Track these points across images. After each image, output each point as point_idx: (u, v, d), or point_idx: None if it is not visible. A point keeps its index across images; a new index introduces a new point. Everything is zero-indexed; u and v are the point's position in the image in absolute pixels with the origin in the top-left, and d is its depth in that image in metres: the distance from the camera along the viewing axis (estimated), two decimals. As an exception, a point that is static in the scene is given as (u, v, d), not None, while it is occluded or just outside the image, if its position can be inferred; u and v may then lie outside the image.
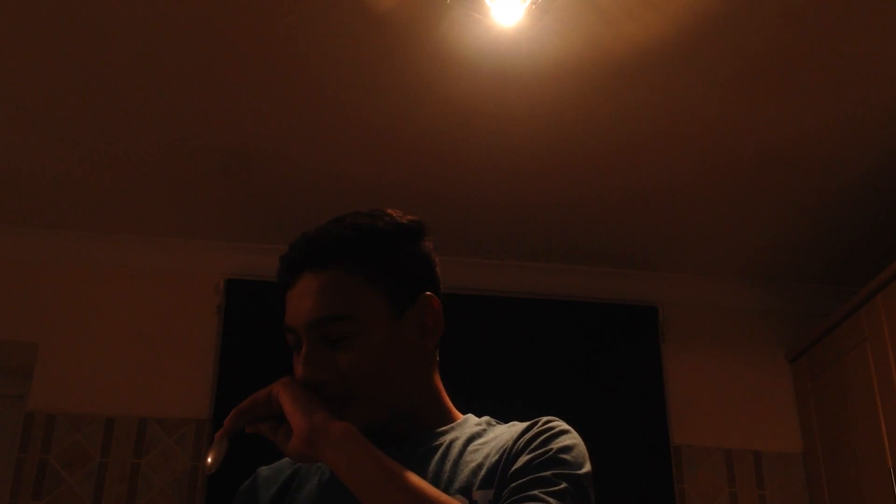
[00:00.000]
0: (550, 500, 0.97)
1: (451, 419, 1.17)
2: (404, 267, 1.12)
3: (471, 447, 1.10)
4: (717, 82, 2.28)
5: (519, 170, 2.62)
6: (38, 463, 2.71)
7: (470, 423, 1.16)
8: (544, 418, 1.09)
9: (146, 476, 2.74)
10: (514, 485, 1.00)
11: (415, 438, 1.11)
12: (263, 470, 1.22)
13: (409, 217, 1.14)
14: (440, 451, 1.10)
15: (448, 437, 1.12)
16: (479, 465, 1.06)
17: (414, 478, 0.97)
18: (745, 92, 2.31)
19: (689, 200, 2.76)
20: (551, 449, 1.03)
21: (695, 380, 3.07)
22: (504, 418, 1.20)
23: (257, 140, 2.52)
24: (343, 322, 1.06)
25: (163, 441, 2.79)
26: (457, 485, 1.03)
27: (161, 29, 2.12)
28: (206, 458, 1.05)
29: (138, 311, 2.94)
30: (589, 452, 1.11)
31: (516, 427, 1.11)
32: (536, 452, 1.03)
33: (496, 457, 1.06)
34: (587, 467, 1.04)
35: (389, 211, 1.14)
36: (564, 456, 1.03)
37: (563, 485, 0.99)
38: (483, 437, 1.12)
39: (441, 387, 1.18)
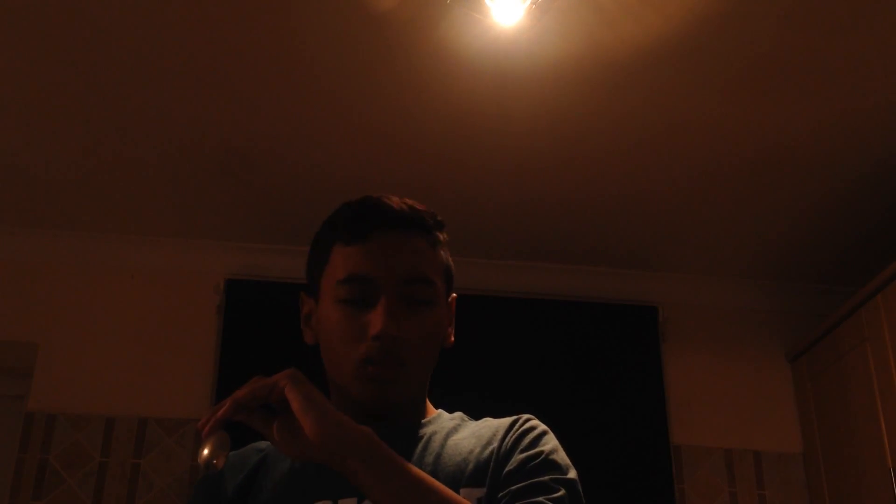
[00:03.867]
0: None
1: (427, 413, 1.18)
2: (449, 257, 1.18)
3: (450, 441, 1.10)
4: (717, 82, 2.28)
5: (519, 170, 2.62)
6: (38, 463, 2.71)
7: (444, 417, 1.17)
8: (523, 416, 1.11)
9: (146, 476, 2.74)
10: (513, 488, 1.00)
11: (394, 429, 1.09)
12: (230, 455, 1.15)
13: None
14: (420, 443, 1.09)
15: (427, 431, 1.12)
16: (464, 461, 1.06)
17: (444, 490, 0.95)
18: (745, 92, 2.31)
19: (689, 200, 2.76)
20: (542, 451, 1.04)
21: (695, 380, 3.07)
22: (502, 415, 1.20)
23: (257, 140, 2.52)
24: (428, 287, 1.08)
25: (163, 441, 2.79)
26: (440, 479, 1.02)
27: (161, 29, 2.12)
28: (205, 454, 0.96)
29: (138, 311, 2.94)
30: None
31: (493, 423, 1.12)
32: (529, 454, 1.04)
33: (483, 453, 1.06)
34: (574, 470, 1.06)
35: None
36: (555, 458, 1.04)
37: (562, 491, 1.00)
38: (460, 431, 1.12)
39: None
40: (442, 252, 1.14)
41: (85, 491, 2.70)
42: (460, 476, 1.04)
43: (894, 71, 2.24)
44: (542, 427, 1.09)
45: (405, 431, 1.11)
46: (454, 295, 1.18)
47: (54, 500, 2.68)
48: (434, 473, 1.03)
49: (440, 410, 1.19)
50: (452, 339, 1.17)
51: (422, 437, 1.10)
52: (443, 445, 1.09)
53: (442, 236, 1.15)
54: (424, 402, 1.18)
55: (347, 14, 2.05)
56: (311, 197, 2.77)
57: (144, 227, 2.95)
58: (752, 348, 3.13)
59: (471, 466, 1.05)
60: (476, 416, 1.20)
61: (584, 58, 2.18)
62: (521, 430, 1.07)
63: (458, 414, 1.19)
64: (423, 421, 1.14)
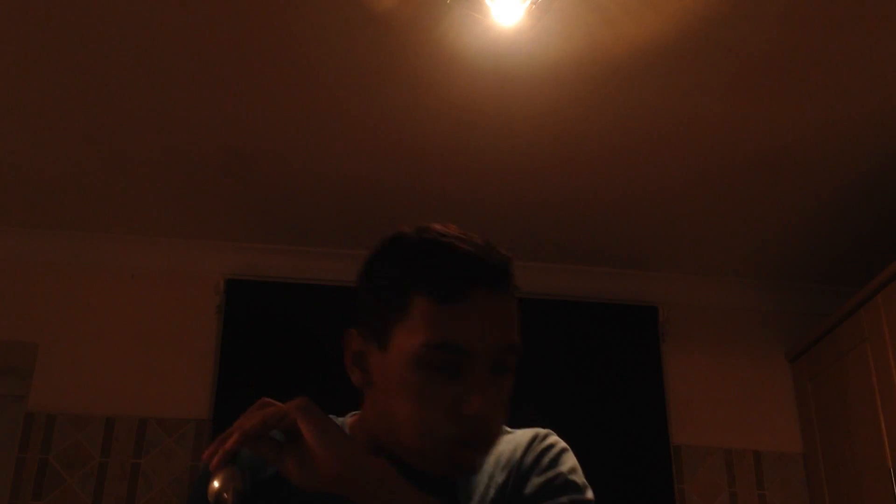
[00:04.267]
0: None
1: None
2: None
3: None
4: (717, 82, 2.27)
5: (519, 170, 2.62)
6: (38, 463, 2.71)
7: None
8: (541, 433, 1.05)
9: (146, 476, 2.74)
10: None
11: None
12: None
13: None
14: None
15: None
16: (487, 487, 1.00)
17: None
18: (745, 92, 2.30)
19: (689, 200, 2.76)
20: (561, 473, 1.00)
21: (695, 380, 3.07)
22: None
23: (257, 140, 2.52)
24: (516, 355, 0.96)
25: (163, 441, 2.79)
26: None
27: (162, 30, 2.12)
28: (215, 487, 0.89)
29: (138, 311, 2.94)
30: (589, 453, 1.10)
31: (511, 441, 1.05)
32: (547, 476, 0.99)
33: (501, 476, 1.01)
34: (591, 490, 1.02)
35: None
36: (574, 479, 1.00)
37: None
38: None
39: None
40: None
41: (85, 491, 2.70)
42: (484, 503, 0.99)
43: (894, 71, 2.24)
44: (561, 444, 1.04)
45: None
46: None
47: (54, 500, 2.68)
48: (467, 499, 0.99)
49: None
50: None
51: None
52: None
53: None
54: None
55: (347, 14, 2.05)
56: (311, 197, 2.78)
57: (144, 227, 2.95)
58: (752, 348, 3.13)
59: (492, 493, 1.00)
60: None
61: (584, 58, 2.18)
62: (539, 449, 1.02)
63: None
64: None
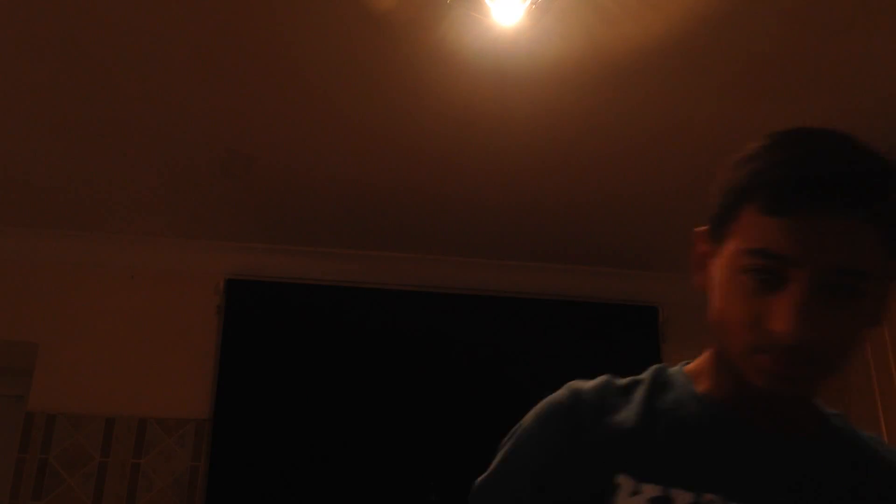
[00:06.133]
0: None
1: (819, 404, 1.02)
2: None
3: (859, 467, 0.98)
4: (717, 82, 2.27)
5: (519, 170, 2.62)
6: (38, 463, 2.71)
7: (833, 417, 1.04)
8: None
9: (146, 476, 2.74)
10: None
11: (798, 431, 0.97)
12: (585, 391, 0.99)
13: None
14: (831, 460, 0.97)
15: (836, 442, 1.00)
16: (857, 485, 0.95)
17: None
18: (745, 92, 2.30)
19: (689, 200, 2.75)
20: None
21: (695, 380, 3.07)
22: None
23: (257, 141, 2.52)
24: (859, 279, 0.85)
25: (163, 441, 2.79)
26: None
27: (162, 30, 2.12)
28: None
29: (138, 311, 2.95)
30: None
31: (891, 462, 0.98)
32: None
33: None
34: None
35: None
36: None
37: None
38: (862, 451, 1.00)
39: None
40: (894, 223, 0.87)
41: (85, 491, 2.70)
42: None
43: (894, 71, 2.24)
44: None
45: (813, 450, 0.97)
46: None
47: (54, 500, 2.68)
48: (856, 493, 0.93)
49: (825, 409, 1.05)
50: (884, 316, 0.94)
51: (827, 457, 0.97)
52: (858, 477, 0.96)
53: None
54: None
55: (347, 14, 2.05)
56: (311, 197, 2.78)
57: (144, 227, 2.95)
58: (752, 348, 3.13)
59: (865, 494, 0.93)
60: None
61: (584, 58, 2.18)
62: None
63: (842, 422, 1.05)
64: (822, 427, 1.01)
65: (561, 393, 0.99)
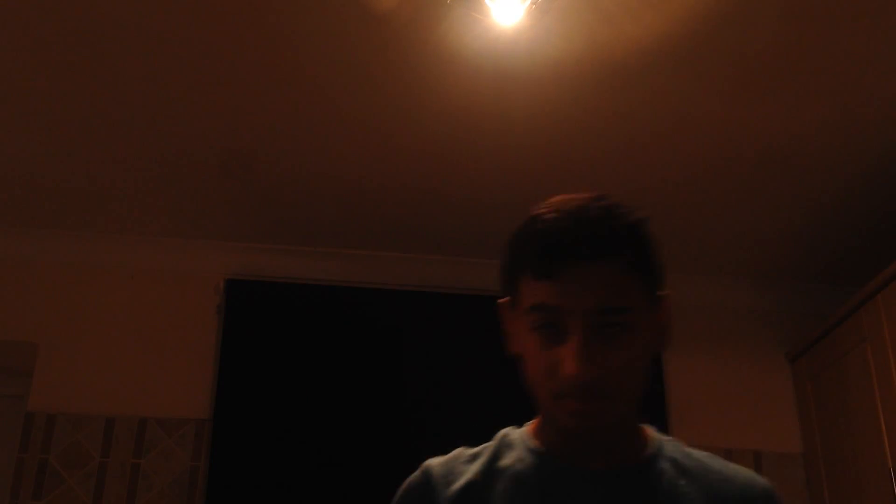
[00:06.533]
0: None
1: (644, 435, 1.12)
2: (657, 261, 1.08)
3: (680, 488, 1.05)
4: (717, 82, 2.28)
5: (519, 170, 2.62)
6: (38, 463, 2.71)
7: (663, 445, 1.12)
8: (779, 500, 1.07)
9: (146, 476, 2.74)
10: None
11: (621, 465, 1.06)
12: (435, 466, 1.12)
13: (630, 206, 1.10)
14: (651, 486, 1.06)
15: (656, 469, 1.07)
16: None
17: None
18: (744, 91, 2.30)
19: (688, 200, 2.76)
20: None
21: (695, 380, 3.07)
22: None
23: (257, 140, 2.52)
24: (622, 314, 0.99)
25: (163, 441, 2.79)
26: None
27: (162, 30, 2.12)
28: None
29: (138, 311, 2.94)
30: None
31: (726, 479, 1.07)
32: None
33: None
34: None
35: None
36: None
37: None
38: (687, 474, 1.08)
39: None
40: (645, 261, 1.06)
41: (85, 491, 2.70)
42: None
43: (894, 71, 2.24)
44: None
45: (626, 477, 1.06)
46: (666, 293, 1.08)
47: (54, 500, 2.68)
48: None
49: (654, 434, 1.13)
50: (670, 339, 1.09)
51: (648, 482, 1.06)
52: (673, 498, 1.04)
53: (644, 246, 1.07)
54: (638, 425, 1.12)
55: (347, 14, 2.05)
56: (311, 197, 2.78)
57: (144, 227, 2.95)
58: (752, 348, 3.13)
59: None
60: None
61: (584, 58, 2.18)
62: None
63: (674, 446, 1.13)
64: (643, 456, 1.09)
65: (416, 473, 1.12)
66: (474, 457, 1.11)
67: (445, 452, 1.17)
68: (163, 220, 2.91)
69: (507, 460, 1.08)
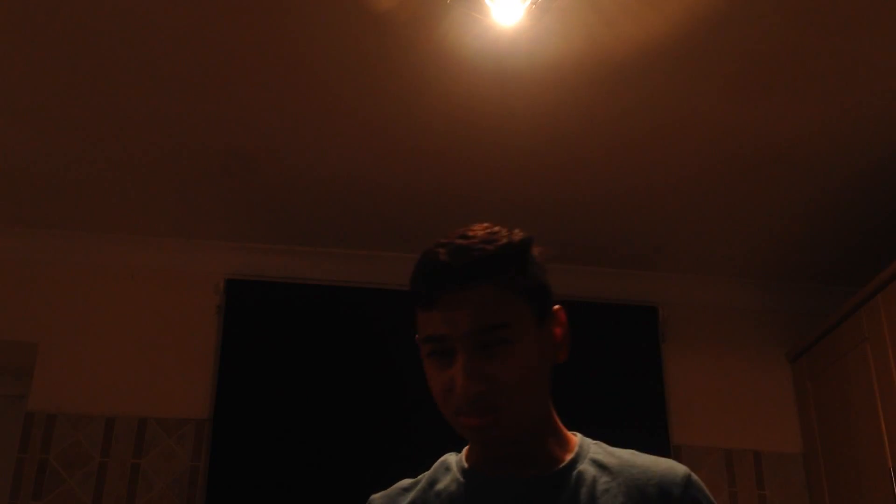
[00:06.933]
0: None
1: (568, 442, 1.16)
2: (538, 275, 1.15)
3: (600, 485, 1.09)
4: (717, 82, 2.28)
5: (519, 169, 2.62)
6: (38, 463, 2.71)
7: (585, 452, 1.15)
8: (696, 483, 1.11)
9: (146, 476, 2.74)
10: None
11: (542, 472, 1.11)
12: (377, 500, 1.21)
13: (519, 230, 1.19)
14: (570, 490, 1.09)
15: (576, 471, 1.11)
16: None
17: None
18: (744, 91, 2.31)
19: (688, 200, 2.76)
20: None
21: (695, 380, 3.07)
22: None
23: (257, 140, 2.52)
24: (500, 330, 1.06)
25: (163, 441, 2.79)
26: None
27: (161, 29, 2.12)
28: None
29: (138, 311, 2.94)
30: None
31: (647, 476, 1.10)
32: None
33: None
34: None
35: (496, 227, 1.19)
36: None
37: None
38: (606, 479, 1.11)
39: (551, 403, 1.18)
40: (520, 279, 1.11)
41: (85, 491, 2.70)
42: None
43: (894, 71, 2.24)
44: (707, 491, 1.11)
45: (546, 482, 1.10)
46: (558, 305, 1.17)
47: (54, 500, 2.68)
48: None
49: (579, 439, 1.18)
50: (567, 349, 1.18)
51: (566, 486, 1.10)
52: (592, 497, 1.08)
53: (517, 266, 1.12)
54: (557, 430, 1.17)
55: (347, 14, 2.05)
56: (311, 197, 2.78)
57: (144, 227, 2.95)
58: (752, 348, 3.13)
59: None
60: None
61: (584, 58, 2.18)
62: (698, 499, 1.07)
63: (599, 448, 1.18)
64: (568, 459, 1.13)
65: None
66: (413, 485, 1.19)
67: (446, 451, 1.20)
68: (163, 220, 2.91)
69: (441, 484, 1.16)
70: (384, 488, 1.23)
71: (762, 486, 2.95)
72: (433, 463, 1.22)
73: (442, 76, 2.24)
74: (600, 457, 1.14)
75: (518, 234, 1.16)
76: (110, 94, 2.34)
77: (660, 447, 2.88)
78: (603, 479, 1.10)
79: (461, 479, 1.14)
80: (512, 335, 1.06)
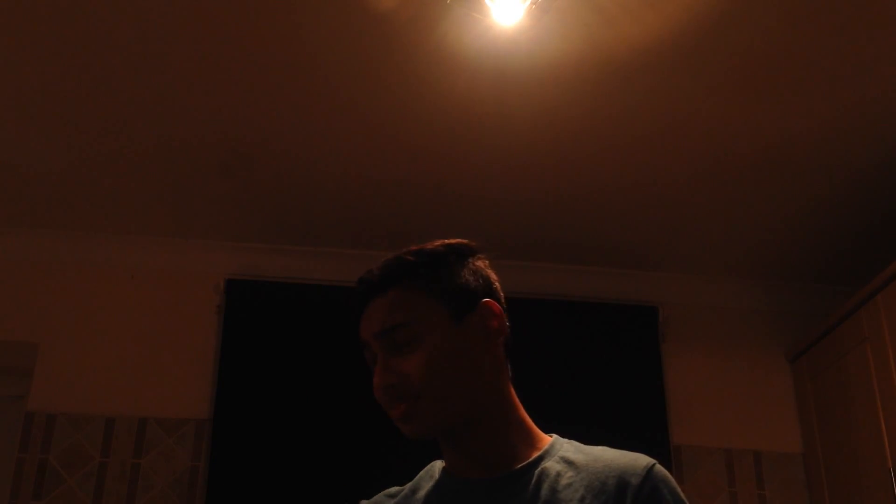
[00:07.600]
0: None
1: (538, 442, 1.18)
2: (456, 277, 1.20)
3: (563, 480, 1.11)
4: (717, 82, 2.28)
5: (518, 169, 2.62)
6: (38, 463, 2.71)
7: (555, 450, 1.17)
8: (655, 474, 1.10)
9: (146, 476, 2.74)
10: None
11: (505, 471, 1.14)
12: None
13: (458, 240, 1.27)
14: (529, 490, 1.11)
15: (534, 473, 1.13)
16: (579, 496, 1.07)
17: None
18: (744, 91, 2.31)
19: (688, 200, 2.76)
20: None
21: (695, 380, 3.07)
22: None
23: (257, 139, 2.52)
24: (403, 329, 1.15)
25: (163, 441, 2.79)
26: None
27: (161, 28, 2.12)
28: None
29: (138, 311, 2.94)
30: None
31: (609, 468, 1.11)
32: None
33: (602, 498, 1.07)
34: None
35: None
36: None
37: None
38: (571, 473, 1.12)
39: (518, 403, 1.22)
40: (433, 282, 1.18)
41: (85, 491, 2.70)
42: None
43: (894, 71, 2.24)
44: (673, 483, 1.10)
45: (508, 479, 1.13)
46: (486, 300, 1.20)
47: (54, 500, 2.68)
48: None
49: (553, 439, 1.20)
50: (498, 339, 1.22)
51: (528, 482, 1.11)
52: (553, 492, 1.09)
53: (427, 270, 1.19)
54: (520, 428, 1.19)
55: (348, 13, 2.05)
56: (311, 197, 2.78)
57: (144, 227, 2.95)
58: (752, 348, 3.13)
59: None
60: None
61: (584, 58, 2.18)
62: (654, 496, 1.07)
63: (571, 446, 1.19)
64: (533, 456, 1.15)
65: None
66: (399, 492, 1.24)
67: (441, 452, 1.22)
68: (163, 220, 2.91)
69: (423, 490, 1.20)
70: (384, 488, 1.25)
71: (762, 486, 2.95)
72: (431, 462, 1.24)
73: (442, 76, 2.24)
74: (569, 454, 1.16)
75: (442, 242, 1.24)
76: (110, 93, 2.34)
77: (660, 447, 2.91)
78: (567, 475, 1.11)
79: (438, 483, 1.19)
80: (417, 330, 1.14)
